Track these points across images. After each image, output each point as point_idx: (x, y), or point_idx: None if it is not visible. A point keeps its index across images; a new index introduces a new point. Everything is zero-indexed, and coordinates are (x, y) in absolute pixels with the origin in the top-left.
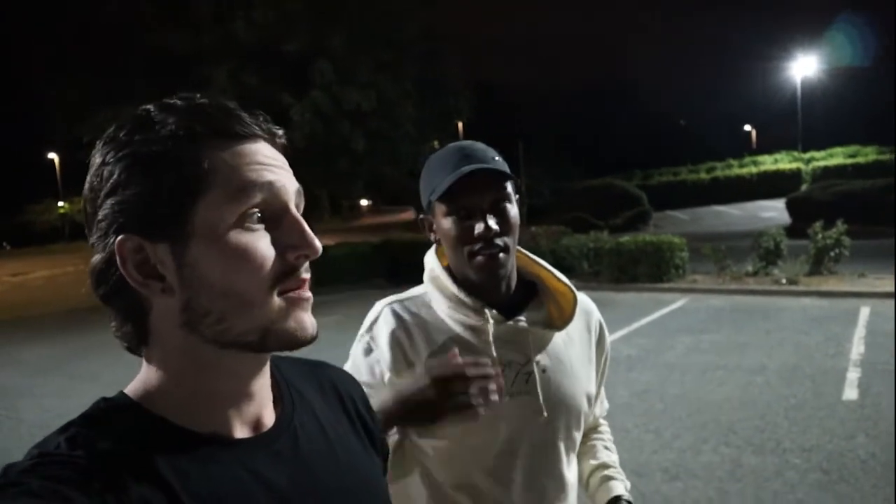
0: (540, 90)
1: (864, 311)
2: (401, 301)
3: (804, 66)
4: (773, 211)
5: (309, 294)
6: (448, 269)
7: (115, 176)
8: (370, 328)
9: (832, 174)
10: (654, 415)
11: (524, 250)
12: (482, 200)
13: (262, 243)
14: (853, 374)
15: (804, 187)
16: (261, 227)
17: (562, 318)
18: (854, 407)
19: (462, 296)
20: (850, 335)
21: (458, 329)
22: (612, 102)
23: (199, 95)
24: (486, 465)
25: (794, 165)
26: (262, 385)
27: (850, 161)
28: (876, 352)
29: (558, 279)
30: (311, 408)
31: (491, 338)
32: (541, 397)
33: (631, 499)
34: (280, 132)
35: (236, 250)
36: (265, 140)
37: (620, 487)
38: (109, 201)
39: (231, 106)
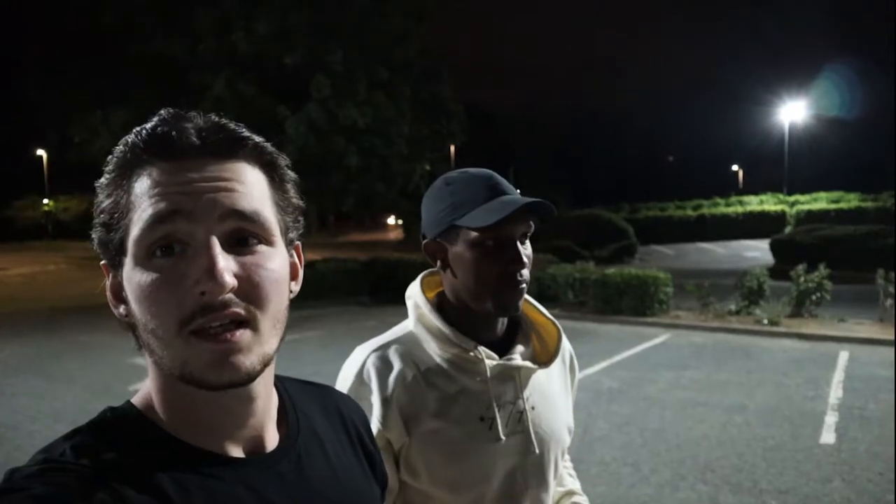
0: (531, 118)
1: (843, 356)
2: (384, 345)
3: (793, 111)
4: (757, 251)
5: (230, 336)
6: (434, 303)
7: (97, 204)
8: (357, 377)
9: (816, 218)
10: (632, 448)
11: None
12: (516, 232)
13: (163, 278)
14: (831, 419)
15: (788, 229)
16: (165, 260)
17: (546, 353)
18: (831, 451)
19: (451, 334)
20: (829, 379)
21: (449, 369)
22: (602, 134)
23: (162, 112)
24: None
25: (779, 207)
26: (262, 407)
27: (833, 206)
28: (853, 397)
29: (542, 313)
30: (316, 431)
31: (488, 376)
32: (532, 435)
33: None
34: (249, 141)
35: (140, 286)
36: (215, 156)
37: None
38: (95, 226)
39: (177, 123)
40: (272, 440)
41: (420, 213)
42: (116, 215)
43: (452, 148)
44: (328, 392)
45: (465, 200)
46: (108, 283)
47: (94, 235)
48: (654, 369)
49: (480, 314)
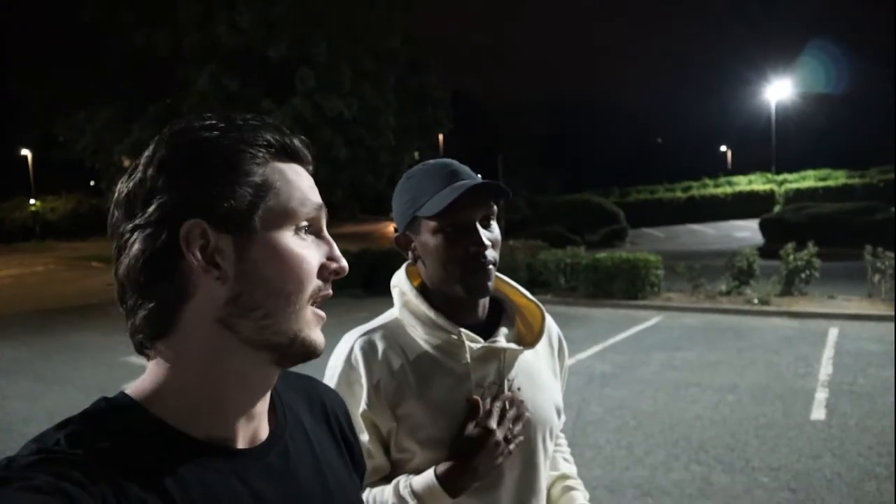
0: (519, 104)
1: (833, 332)
2: (370, 331)
3: (779, 90)
4: (747, 231)
5: (323, 313)
6: (420, 291)
7: (184, 163)
8: (345, 362)
9: (804, 196)
10: (626, 431)
11: None
12: (474, 216)
13: (313, 253)
14: (821, 395)
15: (777, 208)
16: (309, 237)
17: (531, 335)
18: (821, 427)
19: (437, 318)
20: (819, 356)
21: (434, 353)
22: (590, 118)
23: (252, 118)
24: (472, 488)
25: (767, 187)
26: (266, 396)
27: (821, 184)
28: (843, 373)
29: (524, 296)
30: (301, 423)
31: (468, 360)
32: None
33: None
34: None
35: (293, 255)
36: (308, 164)
37: (581, 498)
38: (175, 187)
39: (286, 129)
40: (264, 431)
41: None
42: (250, 185)
43: (440, 137)
44: (311, 383)
45: (424, 191)
46: (197, 244)
47: (191, 196)
48: (646, 352)
49: (458, 300)
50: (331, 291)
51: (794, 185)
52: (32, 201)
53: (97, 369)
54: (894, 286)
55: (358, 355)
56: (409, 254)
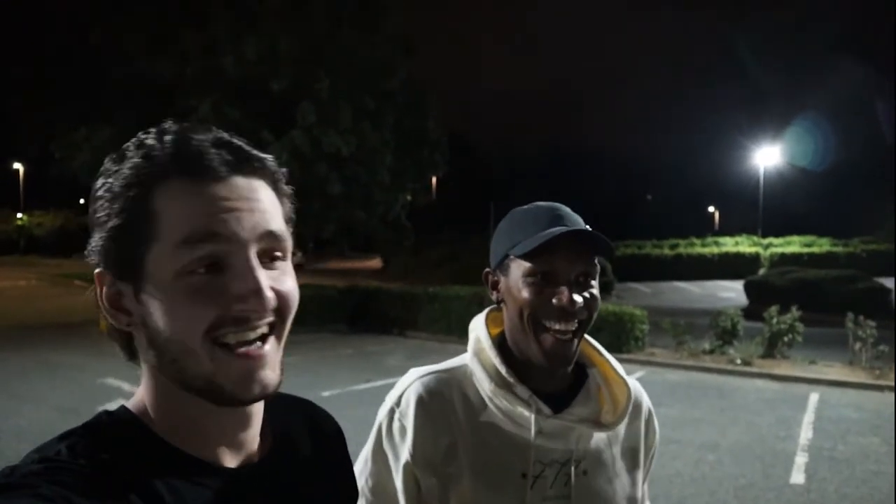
0: (514, 152)
1: (814, 397)
2: (436, 373)
3: (768, 157)
4: (732, 291)
5: (262, 349)
6: (497, 342)
7: (95, 211)
8: (398, 401)
9: (789, 261)
10: None
11: None
12: (570, 269)
13: (201, 294)
14: (801, 459)
15: (762, 271)
16: (205, 276)
17: (612, 415)
18: (801, 491)
19: (507, 376)
20: (800, 420)
21: (497, 415)
22: (582, 171)
23: (173, 126)
24: None
25: (753, 249)
26: (257, 419)
27: (805, 250)
28: (823, 438)
29: (613, 369)
30: (295, 446)
31: (532, 434)
32: (574, 502)
33: None
34: (263, 159)
35: (176, 299)
36: (238, 174)
37: None
38: (94, 234)
39: (199, 140)
40: (257, 453)
41: (399, 241)
42: (135, 229)
43: (434, 179)
44: (308, 407)
45: (522, 230)
46: (103, 291)
47: (94, 244)
48: None
49: (533, 360)
50: (249, 336)
51: (780, 250)
52: (20, 215)
53: (74, 390)
54: (875, 355)
55: (411, 399)
56: (494, 294)
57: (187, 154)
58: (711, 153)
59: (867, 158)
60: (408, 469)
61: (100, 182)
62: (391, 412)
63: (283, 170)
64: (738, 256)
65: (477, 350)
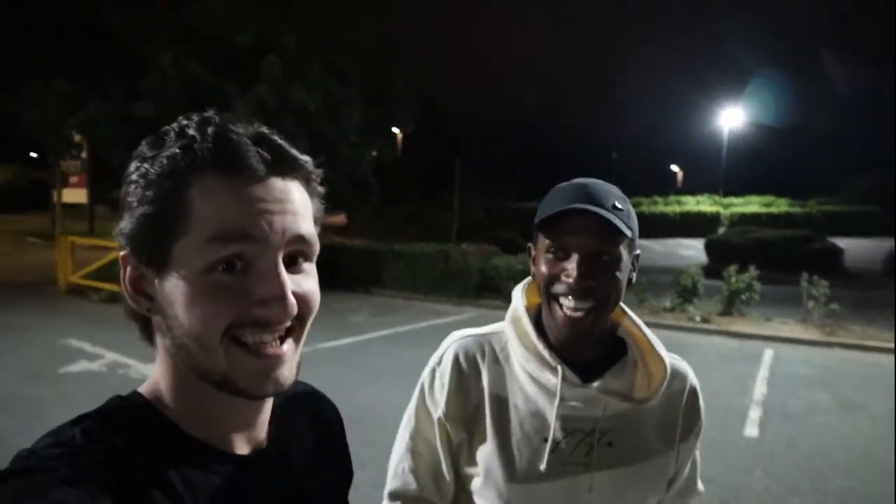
0: (481, 112)
1: (768, 354)
2: (474, 336)
3: (731, 117)
4: (692, 250)
5: (280, 349)
6: (533, 310)
7: (127, 194)
8: (439, 361)
9: (748, 221)
10: None
11: (624, 306)
12: (581, 244)
13: (224, 292)
14: (755, 413)
15: (722, 230)
16: (230, 276)
17: (646, 390)
18: (754, 444)
19: (540, 347)
20: (755, 375)
21: (525, 382)
22: (547, 129)
23: (215, 116)
24: None
25: (714, 208)
26: (265, 405)
27: (764, 210)
28: (776, 393)
29: (652, 345)
30: (299, 431)
31: (556, 402)
32: (594, 473)
33: None
34: (302, 160)
35: (198, 294)
36: (275, 174)
37: None
38: (124, 216)
39: (240, 135)
40: (264, 439)
41: (365, 198)
42: (166, 218)
43: (400, 136)
44: (310, 393)
45: (549, 204)
46: (127, 273)
47: (123, 226)
48: None
49: (551, 329)
50: (268, 337)
51: (740, 209)
52: None
53: (34, 352)
54: (826, 313)
55: (449, 358)
56: (532, 267)
57: (227, 150)
58: (676, 113)
59: (825, 120)
60: (441, 423)
61: (134, 165)
62: (433, 371)
63: (319, 171)
64: (700, 215)
65: (514, 318)
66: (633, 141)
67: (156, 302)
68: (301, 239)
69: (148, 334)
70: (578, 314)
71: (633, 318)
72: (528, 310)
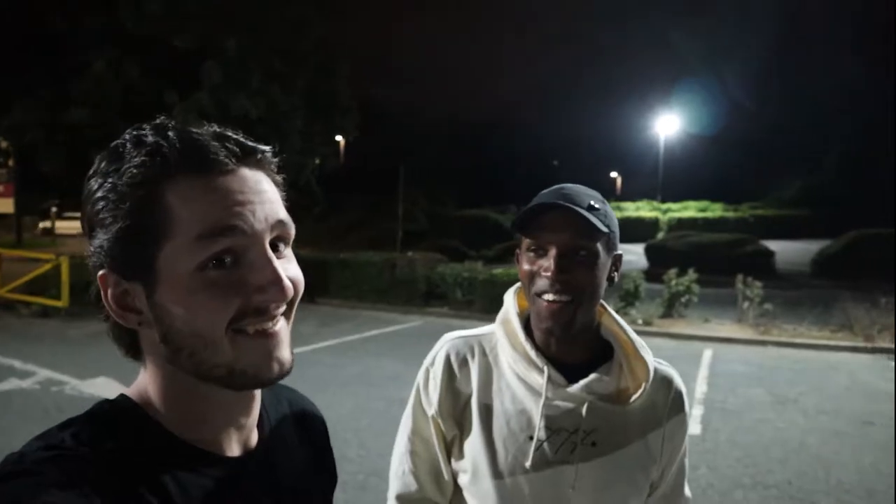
0: (424, 117)
1: (707, 354)
2: (465, 337)
3: (667, 124)
4: (633, 255)
5: (276, 328)
6: (523, 313)
7: (96, 213)
8: (432, 361)
9: (685, 225)
10: None
11: (609, 308)
12: (555, 240)
13: (221, 288)
14: (697, 411)
15: (660, 235)
16: (223, 271)
17: (630, 392)
18: (697, 441)
19: (528, 347)
20: (695, 375)
21: (513, 381)
22: (490, 138)
23: (171, 122)
24: None
25: (653, 214)
26: (255, 404)
27: (700, 215)
28: (715, 391)
29: (636, 348)
30: (283, 432)
31: (542, 402)
32: (575, 472)
33: None
34: (264, 150)
35: (196, 295)
36: (244, 166)
37: None
38: (96, 235)
39: (201, 134)
40: (253, 440)
41: (309, 206)
42: (147, 228)
43: (342, 143)
44: (293, 396)
45: (531, 206)
46: (108, 292)
47: (97, 245)
48: None
49: (538, 329)
50: (268, 324)
51: (677, 215)
52: None
53: None
54: (760, 313)
55: (441, 358)
56: (519, 269)
57: (194, 149)
58: (615, 121)
59: (756, 128)
60: (435, 421)
61: (96, 183)
62: (426, 371)
63: (276, 160)
64: (639, 221)
65: (504, 320)
66: (574, 149)
67: (144, 314)
68: (282, 223)
69: (134, 350)
70: (556, 306)
71: (618, 321)
72: (518, 314)
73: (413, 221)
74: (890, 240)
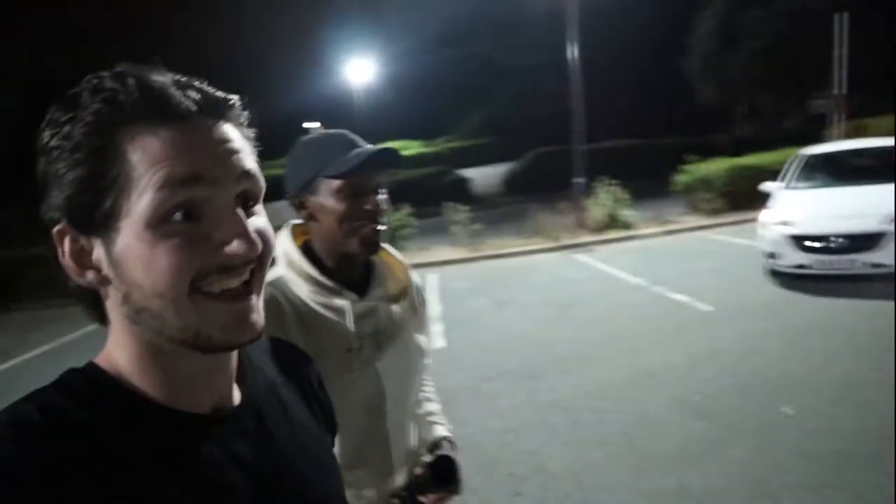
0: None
1: (434, 277)
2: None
3: (359, 70)
4: None
5: (243, 287)
6: (303, 250)
7: (49, 164)
8: None
9: None
10: None
11: None
12: (373, 181)
13: (182, 242)
14: (438, 328)
15: None
16: (185, 224)
17: (401, 291)
18: (444, 352)
19: (319, 276)
20: (431, 298)
21: (320, 310)
22: None
23: (130, 68)
24: (361, 425)
25: None
26: (231, 364)
27: (402, 154)
28: (448, 308)
29: (393, 255)
30: (272, 386)
31: (351, 317)
32: (391, 361)
33: (453, 438)
34: (228, 100)
35: (155, 250)
36: (208, 115)
37: (444, 430)
38: (51, 189)
39: (162, 82)
40: (235, 397)
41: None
42: (105, 177)
43: None
44: (282, 347)
45: (328, 155)
46: (65, 248)
47: (52, 200)
48: None
49: (345, 256)
50: (234, 282)
51: None
52: None
53: None
54: (470, 234)
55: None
56: (303, 213)
57: (154, 96)
58: (306, 70)
59: (441, 70)
60: None
61: (48, 133)
62: None
63: (246, 112)
64: None
65: (289, 261)
66: (269, 100)
67: (104, 272)
68: (248, 175)
69: (99, 312)
70: (379, 232)
71: None
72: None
73: None
74: (562, 155)
